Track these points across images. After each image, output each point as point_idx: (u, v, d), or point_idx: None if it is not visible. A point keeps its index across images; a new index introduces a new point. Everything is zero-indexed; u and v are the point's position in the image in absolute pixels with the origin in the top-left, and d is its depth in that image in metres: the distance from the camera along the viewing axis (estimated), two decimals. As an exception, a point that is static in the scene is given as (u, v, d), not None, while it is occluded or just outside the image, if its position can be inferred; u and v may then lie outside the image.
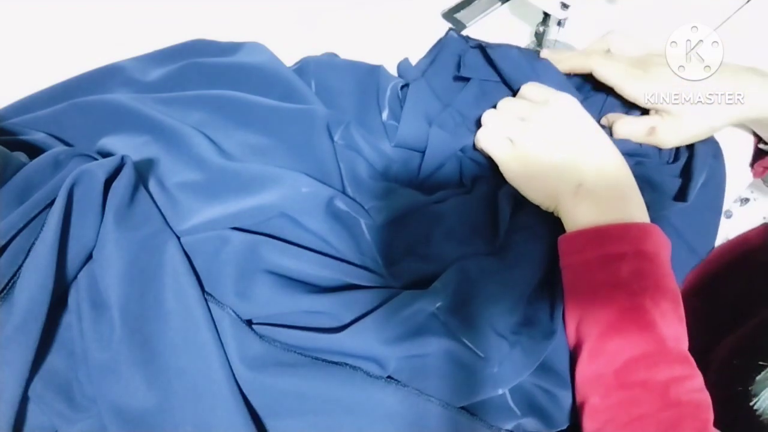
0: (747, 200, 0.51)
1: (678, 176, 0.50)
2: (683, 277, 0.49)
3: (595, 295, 0.40)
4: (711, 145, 0.51)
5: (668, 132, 0.49)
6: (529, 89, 0.50)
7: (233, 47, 0.57)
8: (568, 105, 0.47)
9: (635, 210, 0.43)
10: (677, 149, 0.51)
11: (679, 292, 0.41)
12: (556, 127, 0.46)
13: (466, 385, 0.39)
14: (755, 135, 0.52)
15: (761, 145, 0.51)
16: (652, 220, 0.44)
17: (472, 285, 0.41)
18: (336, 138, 0.49)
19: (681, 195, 0.49)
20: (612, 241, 0.41)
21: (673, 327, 0.39)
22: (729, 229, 0.50)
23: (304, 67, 0.56)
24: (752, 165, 0.53)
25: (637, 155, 0.50)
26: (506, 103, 0.50)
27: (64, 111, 0.51)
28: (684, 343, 0.39)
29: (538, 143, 0.46)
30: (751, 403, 0.39)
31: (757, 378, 0.40)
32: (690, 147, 0.51)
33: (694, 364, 0.38)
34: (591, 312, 0.40)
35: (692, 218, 0.49)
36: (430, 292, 0.40)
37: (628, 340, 0.38)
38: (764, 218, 0.57)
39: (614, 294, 0.39)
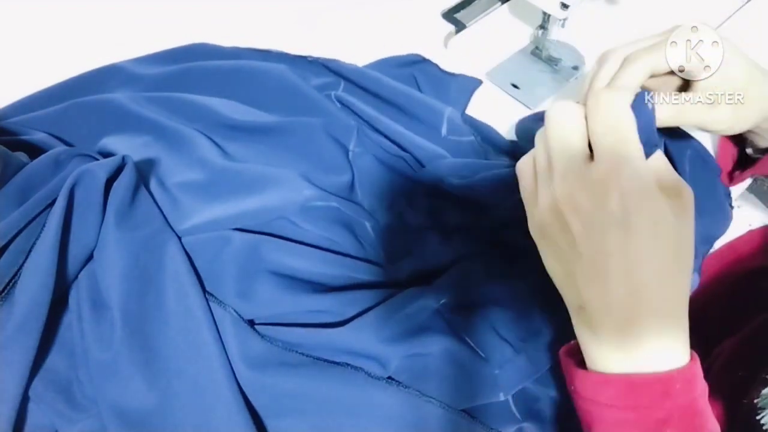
0: (732, 208, 0.51)
1: None
2: (699, 265, 0.48)
3: None
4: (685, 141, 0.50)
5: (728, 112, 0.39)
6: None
7: (234, 53, 0.57)
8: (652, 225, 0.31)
9: (679, 338, 0.32)
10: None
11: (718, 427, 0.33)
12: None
13: (467, 386, 0.39)
14: (735, 143, 0.52)
15: (749, 151, 0.51)
16: None
17: (477, 286, 0.41)
18: (351, 147, 0.49)
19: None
20: (651, 400, 0.31)
21: None
22: None
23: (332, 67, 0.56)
24: (731, 173, 0.53)
25: None
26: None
27: (65, 111, 0.51)
28: None
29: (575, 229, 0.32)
30: (758, 417, 0.38)
31: (763, 392, 0.39)
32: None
33: None
34: None
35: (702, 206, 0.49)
36: (434, 289, 0.40)
37: None
38: (750, 225, 0.58)
39: None
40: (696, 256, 0.46)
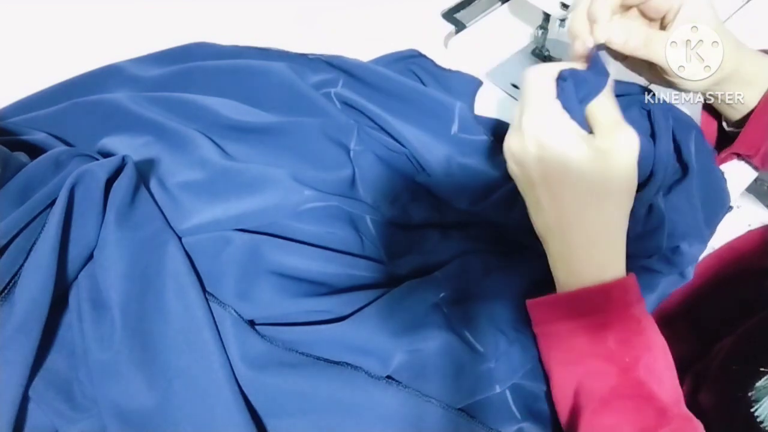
0: (731, 208, 0.51)
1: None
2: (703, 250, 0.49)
3: (581, 367, 0.37)
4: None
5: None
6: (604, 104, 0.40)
7: (234, 51, 0.57)
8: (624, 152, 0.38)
9: (609, 257, 0.38)
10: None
11: (664, 340, 0.38)
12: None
13: (465, 382, 0.39)
14: (716, 118, 0.52)
15: (728, 129, 0.51)
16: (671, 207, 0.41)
17: (475, 279, 0.42)
18: (352, 145, 0.48)
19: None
20: (592, 309, 0.37)
21: (670, 389, 0.37)
22: (714, 238, 0.50)
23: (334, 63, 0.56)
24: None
25: None
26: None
27: (65, 111, 0.51)
28: (682, 400, 0.37)
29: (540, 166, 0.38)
30: (752, 410, 0.39)
31: (757, 384, 0.39)
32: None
33: (695, 419, 0.36)
34: (581, 385, 0.37)
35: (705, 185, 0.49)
36: (432, 282, 0.40)
37: (626, 417, 0.36)
38: (749, 225, 0.58)
39: (605, 368, 0.36)
40: (701, 241, 0.48)
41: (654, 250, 0.44)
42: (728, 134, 0.51)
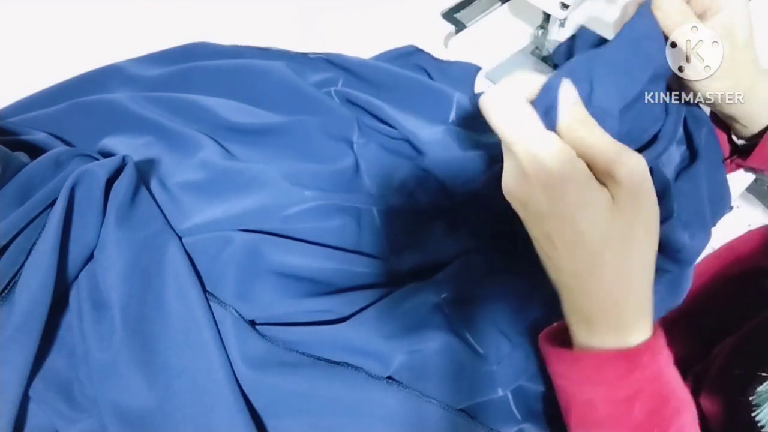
0: (731, 208, 0.51)
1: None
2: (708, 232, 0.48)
3: None
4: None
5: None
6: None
7: (234, 51, 0.57)
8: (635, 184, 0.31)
9: (635, 315, 0.34)
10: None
11: (687, 391, 0.35)
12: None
13: (466, 383, 0.39)
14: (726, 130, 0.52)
15: (740, 142, 0.51)
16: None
17: (478, 279, 0.41)
18: (354, 139, 0.49)
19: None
20: (617, 377, 0.33)
21: None
22: (714, 238, 0.50)
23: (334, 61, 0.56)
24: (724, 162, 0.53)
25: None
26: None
27: (65, 111, 0.51)
28: None
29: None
30: (753, 415, 0.38)
31: (758, 389, 0.39)
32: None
33: None
34: None
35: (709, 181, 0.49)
36: (434, 284, 0.40)
37: None
38: (749, 225, 0.58)
39: None
40: (705, 231, 0.47)
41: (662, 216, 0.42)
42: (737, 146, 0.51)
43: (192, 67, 0.54)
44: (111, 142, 0.48)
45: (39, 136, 0.48)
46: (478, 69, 0.60)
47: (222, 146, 0.49)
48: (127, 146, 0.48)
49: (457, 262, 0.42)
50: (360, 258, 0.43)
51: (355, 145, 0.48)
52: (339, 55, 0.57)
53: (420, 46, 0.61)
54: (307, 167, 0.47)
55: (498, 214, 0.45)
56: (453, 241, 0.45)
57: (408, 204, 0.46)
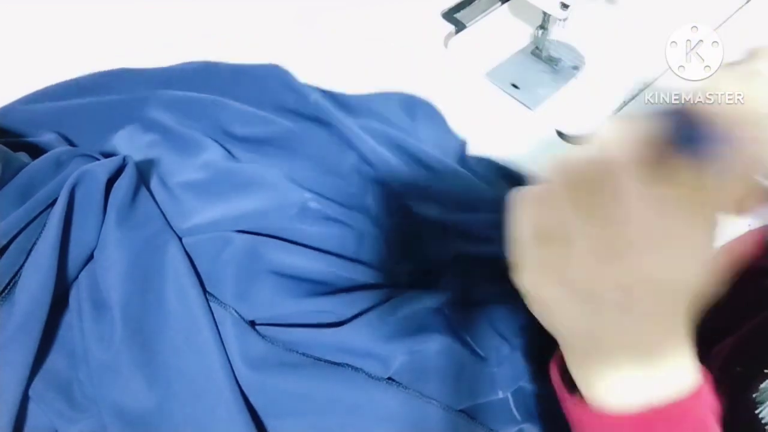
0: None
1: None
2: None
3: None
4: None
5: None
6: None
7: (247, 70, 0.57)
8: None
9: (681, 362, 0.30)
10: None
11: None
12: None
13: (466, 384, 0.39)
14: None
15: None
16: None
17: (477, 282, 0.41)
18: (356, 147, 0.49)
19: None
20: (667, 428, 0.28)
21: None
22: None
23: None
24: None
25: None
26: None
27: (70, 108, 0.51)
28: None
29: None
30: (756, 412, 0.39)
31: (762, 386, 0.39)
32: None
33: None
34: None
35: None
36: (434, 288, 0.40)
37: None
38: (749, 225, 0.58)
39: None
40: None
41: None
42: None
43: (197, 68, 0.54)
44: (115, 141, 0.48)
45: (44, 138, 0.48)
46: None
47: (227, 149, 0.49)
48: (131, 145, 0.48)
49: (458, 264, 0.42)
50: (359, 265, 0.43)
51: (356, 154, 0.48)
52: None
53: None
54: (309, 171, 0.47)
55: (495, 221, 0.45)
56: (450, 249, 0.45)
57: (407, 213, 0.46)
